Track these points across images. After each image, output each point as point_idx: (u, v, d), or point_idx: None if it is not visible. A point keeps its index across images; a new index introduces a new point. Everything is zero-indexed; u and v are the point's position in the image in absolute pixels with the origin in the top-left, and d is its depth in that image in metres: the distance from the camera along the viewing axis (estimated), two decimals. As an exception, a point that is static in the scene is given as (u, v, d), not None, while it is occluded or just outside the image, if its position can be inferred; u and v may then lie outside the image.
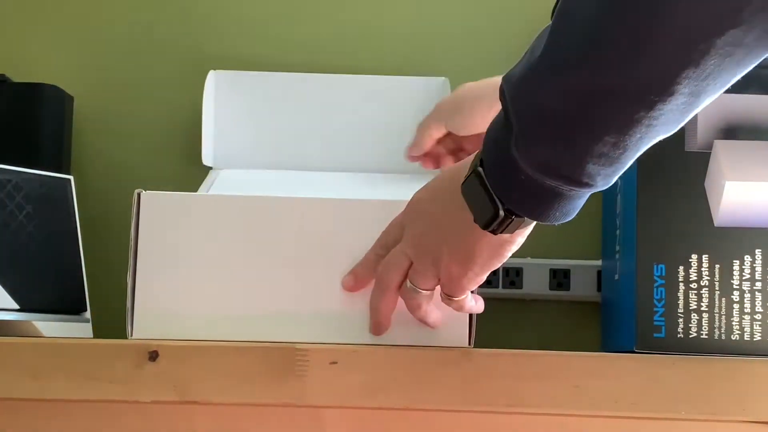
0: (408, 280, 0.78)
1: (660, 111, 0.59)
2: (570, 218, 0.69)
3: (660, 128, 0.61)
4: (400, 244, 0.78)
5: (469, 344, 0.80)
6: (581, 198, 0.68)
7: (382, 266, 0.79)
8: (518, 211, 0.69)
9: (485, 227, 0.71)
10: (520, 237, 0.74)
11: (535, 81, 0.63)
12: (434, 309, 0.79)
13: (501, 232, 0.71)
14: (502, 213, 0.69)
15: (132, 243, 0.81)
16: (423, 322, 0.80)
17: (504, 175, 0.68)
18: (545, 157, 0.64)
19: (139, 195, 0.82)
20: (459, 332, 0.81)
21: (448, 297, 0.77)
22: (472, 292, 0.78)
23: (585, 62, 0.59)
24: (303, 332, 0.81)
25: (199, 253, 0.82)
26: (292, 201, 0.83)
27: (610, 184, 0.66)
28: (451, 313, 0.80)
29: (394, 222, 0.80)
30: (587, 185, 0.65)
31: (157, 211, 0.82)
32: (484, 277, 0.76)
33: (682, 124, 0.62)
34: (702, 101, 0.60)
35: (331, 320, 0.81)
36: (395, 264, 0.78)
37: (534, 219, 0.70)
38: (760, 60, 0.58)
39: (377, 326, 0.81)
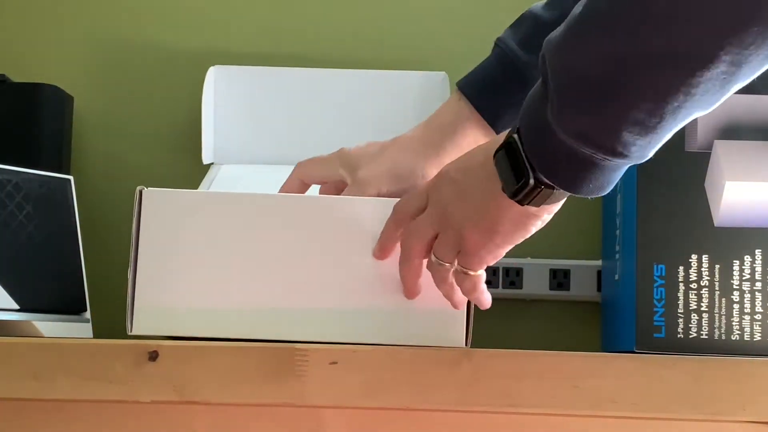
0: (432, 253, 0.78)
1: (699, 79, 0.58)
2: (604, 192, 0.68)
3: (698, 99, 0.60)
4: (425, 213, 0.77)
5: (466, 344, 0.80)
6: (616, 171, 0.67)
7: (405, 235, 0.79)
8: (551, 179, 0.68)
9: (513, 196, 0.70)
10: (547, 213, 0.73)
11: (572, 44, 0.62)
12: (450, 281, 0.78)
13: (528, 203, 0.70)
14: (531, 181, 0.69)
15: (133, 240, 0.81)
16: (448, 298, 0.79)
17: (539, 141, 0.67)
18: (580, 123, 0.64)
19: (140, 192, 0.82)
20: (455, 332, 0.81)
21: (464, 271, 0.76)
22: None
23: (622, 25, 0.59)
24: (303, 331, 0.81)
25: (200, 249, 0.82)
26: (294, 199, 0.83)
27: (646, 158, 0.65)
28: (448, 313, 0.80)
29: (419, 191, 0.79)
30: (622, 155, 0.64)
31: (159, 208, 0.82)
32: (503, 252, 0.75)
33: (719, 101, 0.61)
34: (742, 74, 0.59)
35: (331, 319, 0.81)
36: (418, 233, 0.77)
37: (567, 190, 0.69)
38: None
39: (407, 292, 0.80)
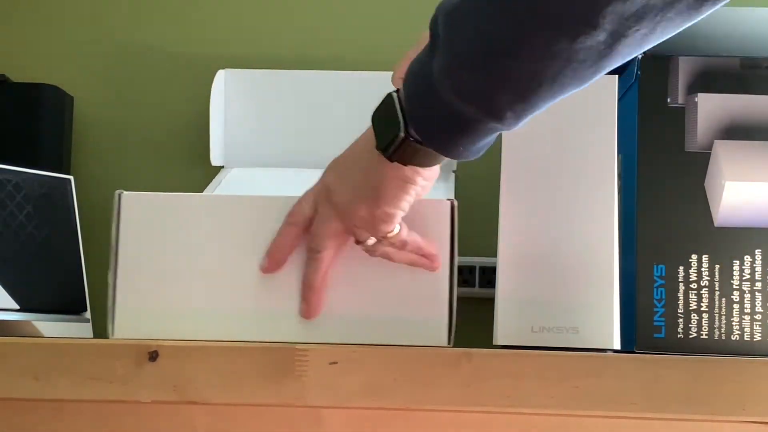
0: (356, 239, 0.80)
1: (581, 45, 0.61)
2: (472, 158, 0.71)
3: (577, 69, 0.63)
4: (319, 215, 0.80)
5: (449, 343, 0.80)
6: (487, 135, 0.70)
7: (311, 238, 0.80)
8: (421, 133, 0.71)
9: (383, 149, 0.73)
10: (421, 177, 0.76)
11: (464, 8, 0.65)
12: (394, 250, 0.80)
13: (397, 159, 0.73)
14: (402, 134, 0.72)
15: (113, 243, 0.82)
16: (389, 259, 0.81)
17: (418, 96, 0.70)
18: (461, 79, 0.66)
19: (119, 195, 0.83)
20: (438, 331, 0.81)
21: (377, 240, 0.79)
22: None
23: None
24: (290, 332, 0.81)
25: (180, 252, 0.82)
26: (279, 200, 0.83)
27: (516, 127, 0.68)
28: (431, 311, 0.80)
29: (305, 197, 0.82)
30: (496, 118, 0.67)
31: (137, 211, 0.83)
32: (396, 216, 0.77)
33: (596, 76, 0.64)
34: (622, 47, 0.61)
35: (320, 322, 0.81)
36: (325, 231, 0.80)
37: (434, 147, 0.72)
38: (691, 21, 0.61)
39: (315, 306, 0.81)
